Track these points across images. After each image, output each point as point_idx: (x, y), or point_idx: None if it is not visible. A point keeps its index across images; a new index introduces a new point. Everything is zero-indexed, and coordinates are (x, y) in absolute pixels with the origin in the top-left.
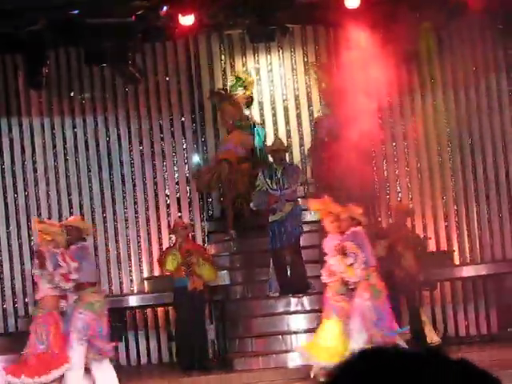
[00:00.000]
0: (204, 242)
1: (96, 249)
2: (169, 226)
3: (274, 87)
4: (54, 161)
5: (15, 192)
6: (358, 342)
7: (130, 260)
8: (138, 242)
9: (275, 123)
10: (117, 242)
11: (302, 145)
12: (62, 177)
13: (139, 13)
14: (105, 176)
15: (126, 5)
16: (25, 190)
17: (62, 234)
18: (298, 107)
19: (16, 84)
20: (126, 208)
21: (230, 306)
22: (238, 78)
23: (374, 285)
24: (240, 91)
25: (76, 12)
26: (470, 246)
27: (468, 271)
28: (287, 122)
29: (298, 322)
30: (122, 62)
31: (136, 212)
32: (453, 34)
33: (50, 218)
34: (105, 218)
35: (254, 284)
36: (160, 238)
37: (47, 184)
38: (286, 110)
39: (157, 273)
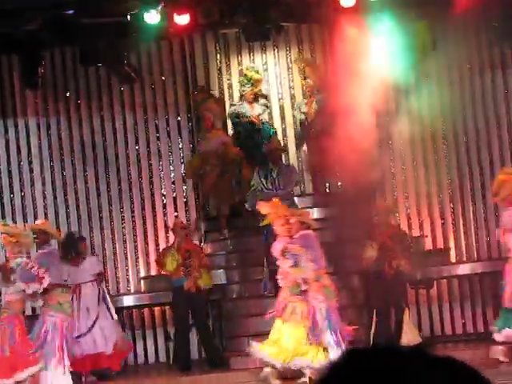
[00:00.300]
0: (201, 241)
1: (93, 248)
2: (165, 225)
3: (270, 86)
4: (50, 161)
5: (11, 192)
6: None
7: (127, 259)
8: (135, 242)
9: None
10: (113, 241)
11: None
12: (58, 177)
13: (134, 12)
14: (101, 176)
15: (121, 4)
16: (21, 191)
17: (27, 236)
18: (293, 106)
19: (11, 84)
20: (122, 208)
21: (226, 305)
22: (246, 75)
23: (326, 286)
24: (248, 88)
25: (71, 12)
26: (467, 244)
27: (464, 269)
28: (283, 121)
29: None
30: (118, 62)
31: (132, 212)
32: (448, 31)
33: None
34: (101, 217)
35: (251, 283)
36: (156, 238)
37: (43, 184)
38: (281, 108)
39: (154, 272)
